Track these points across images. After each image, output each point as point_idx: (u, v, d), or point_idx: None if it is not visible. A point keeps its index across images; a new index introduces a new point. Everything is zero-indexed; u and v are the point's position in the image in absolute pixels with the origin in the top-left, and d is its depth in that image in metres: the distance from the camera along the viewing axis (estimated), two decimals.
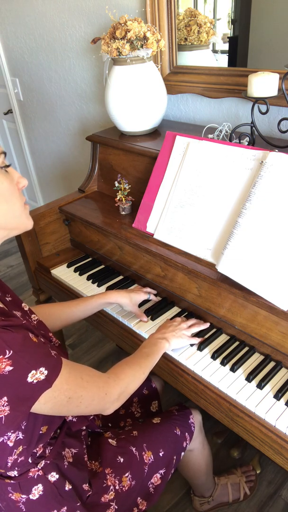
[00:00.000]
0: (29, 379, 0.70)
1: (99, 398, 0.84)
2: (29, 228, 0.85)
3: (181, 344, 1.10)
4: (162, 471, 1.07)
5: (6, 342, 0.69)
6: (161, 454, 1.07)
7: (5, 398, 0.69)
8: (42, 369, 0.72)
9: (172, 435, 1.11)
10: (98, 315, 1.33)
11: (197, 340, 1.13)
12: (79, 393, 0.79)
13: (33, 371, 0.71)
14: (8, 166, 0.79)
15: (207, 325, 1.17)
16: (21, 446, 0.80)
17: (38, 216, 1.52)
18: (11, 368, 0.68)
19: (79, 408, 0.81)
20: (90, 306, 1.19)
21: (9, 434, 0.78)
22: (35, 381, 0.71)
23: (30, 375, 0.70)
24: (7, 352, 0.68)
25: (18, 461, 0.82)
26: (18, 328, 0.73)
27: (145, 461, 1.04)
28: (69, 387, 0.77)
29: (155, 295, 1.33)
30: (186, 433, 1.14)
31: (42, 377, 0.72)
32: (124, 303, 1.22)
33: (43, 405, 0.74)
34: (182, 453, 1.14)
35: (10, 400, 0.70)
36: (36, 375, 0.71)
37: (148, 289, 1.32)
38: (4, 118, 2.89)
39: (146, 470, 1.04)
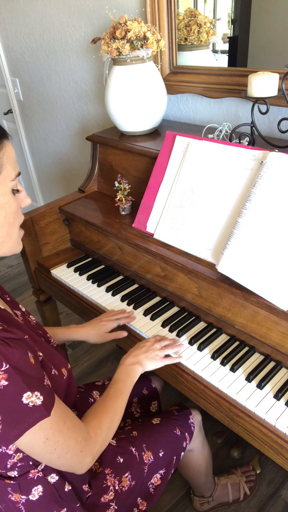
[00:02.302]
0: (25, 400, 0.68)
1: (73, 453, 0.78)
2: (17, 252, 0.85)
3: (154, 366, 1.06)
4: (162, 471, 1.07)
5: (3, 355, 0.67)
6: (161, 455, 1.07)
7: None
8: (37, 393, 0.69)
9: (172, 435, 1.11)
10: (98, 315, 1.33)
11: (170, 361, 1.08)
12: (57, 437, 0.74)
13: (29, 393, 0.68)
14: (18, 191, 0.80)
15: (181, 346, 1.12)
16: (21, 453, 0.80)
17: (38, 216, 1.52)
18: (6, 383, 0.66)
19: (51, 455, 0.75)
20: (60, 337, 1.16)
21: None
22: (30, 404, 0.68)
23: (25, 395, 0.68)
24: (4, 365, 0.66)
25: (18, 464, 0.82)
26: (19, 343, 0.70)
27: (145, 461, 1.04)
28: (50, 426, 0.73)
29: (154, 294, 1.33)
30: (186, 433, 1.14)
31: (39, 402, 0.69)
32: (91, 338, 1.18)
33: (22, 436, 0.70)
34: (182, 453, 1.14)
35: (4, 420, 0.67)
36: (32, 398, 0.68)
37: (118, 315, 1.23)
38: (4, 118, 2.89)
39: (146, 470, 1.04)
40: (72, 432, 0.78)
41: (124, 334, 1.20)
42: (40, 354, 0.79)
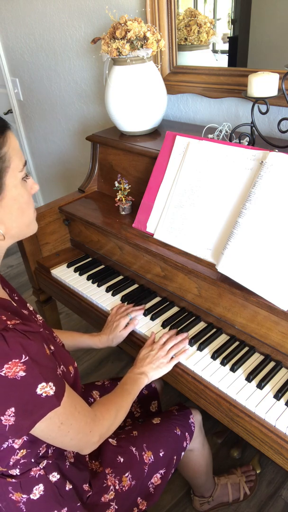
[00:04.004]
0: (39, 391, 0.70)
1: (83, 434, 0.83)
2: (34, 232, 0.87)
3: (160, 374, 1.07)
4: (162, 471, 1.07)
5: (23, 347, 0.69)
6: (161, 454, 1.07)
7: (12, 409, 0.68)
8: (51, 384, 0.72)
9: (172, 435, 1.11)
10: (98, 314, 1.34)
11: (177, 360, 1.09)
12: (70, 420, 0.78)
13: (43, 383, 0.70)
14: (27, 176, 0.81)
15: (186, 342, 1.13)
16: (24, 450, 0.80)
17: (38, 216, 1.52)
18: (23, 374, 0.68)
19: (65, 437, 0.79)
20: (76, 343, 1.18)
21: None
22: (43, 394, 0.70)
23: (40, 386, 0.70)
24: (23, 356, 0.68)
25: (21, 461, 0.82)
26: (36, 336, 0.72)
27: (145, 461, 1.04)
28: (64, 411, 0.76)
29: (155, 294, 1.33)
30: (186, 433, 1.14)
31: (51, 392, 0.71)
32: (111, 342, 1.20)
33: (39, 423, 0.72)
34: (182, 453, 1.14)
35: (17, 412, 0.69)
36: (46, 389, 0.71)
37: (128, 310, 1.25)
38: (4, 118, 2.89)
39: (146, 470, 1.04)
40: (82, 415, 0.82)
41: (137, 322, 1.22)
42: (52, 347, 0.81)
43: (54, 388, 0.72)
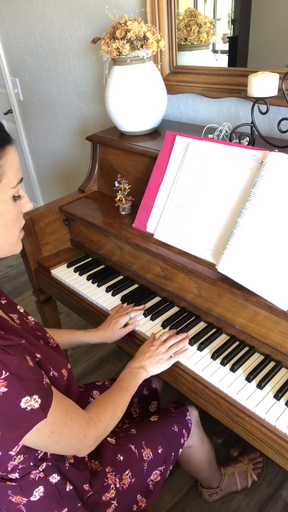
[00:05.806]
0: (23, 405, 0.69)
1: (78, 439, 0.82)
2: (16, 253, 0.85)
3: (159, 370, 1.07)
4: (161, 468, 1.07)
5: (3, 363, 0.67)
6: (159, 451, 1.07)
7: None
8: (36, 396, 0.70)
9: (170, 432, 1.11)
10: (98, 314, 1.34)
11: (177, 358, 1.09)
12: (61, 428, 0.77)
13: (27, 397, 0.69)
14: (20, 197, 0.79)
15: (186, 341, 1.13)
16: (22, 455, 0.80)
17: (38, 216, 1.52)
18: (5, 389, 0.67)
19: (58, 445, 0.78)
20: (72, 340, 1.18)
21: None
22: (28, 408, 0.69)
23: (24, 400, 0.69)
24: (3, 372, 0.67)
25: (19, 466, 0.82)
26: (16, 349, 0.71)
27: (145, 458, 1.05)
28: (53, 421, 0.75)
29: (155, 294, 1.33)
30: (184, 430, 1.15)
31: (36, 405, 0.70)
32: (108, 338, 1.20)
33: (27, 435, 0.72)
34: (180, 450, 1.14)
35: (3, 426, 0.68)
36: (30, 402, 0.69)
37: (128, 309, 1.25)
38: (4, 118, 2.89)
39: (145, 467, 1.04)
40: (75, 421, 0.80)
41: (137, 323, 1.22)
42: (38, 355, 0.79)
43: (39, 400, 0.71)
